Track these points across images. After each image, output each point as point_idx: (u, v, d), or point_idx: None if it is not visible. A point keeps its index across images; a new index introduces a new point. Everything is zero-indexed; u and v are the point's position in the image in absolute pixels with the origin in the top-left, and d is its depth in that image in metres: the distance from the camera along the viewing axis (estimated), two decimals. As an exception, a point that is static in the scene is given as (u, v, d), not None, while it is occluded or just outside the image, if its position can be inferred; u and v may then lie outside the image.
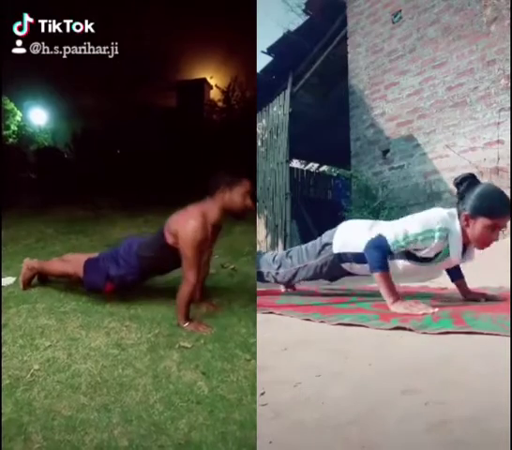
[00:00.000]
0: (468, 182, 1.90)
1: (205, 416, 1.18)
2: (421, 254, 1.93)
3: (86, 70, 5.36)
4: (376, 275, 1.89)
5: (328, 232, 2.29)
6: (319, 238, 2.33)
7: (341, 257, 2.18)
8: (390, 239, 1.90)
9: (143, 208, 4.11)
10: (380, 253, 1.89)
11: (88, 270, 2.00)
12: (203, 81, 7.03)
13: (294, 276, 2.34)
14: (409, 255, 1.97)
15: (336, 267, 2.23)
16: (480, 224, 1.83)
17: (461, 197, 1.91)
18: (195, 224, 1.74)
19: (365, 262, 2.05)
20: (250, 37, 4.25)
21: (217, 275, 2.48)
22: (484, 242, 1.89)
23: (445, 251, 1.90)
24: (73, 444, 1.08)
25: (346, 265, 2.20)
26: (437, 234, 1.85)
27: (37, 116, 7.09)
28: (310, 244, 2.36)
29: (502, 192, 1.86)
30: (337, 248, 2.18)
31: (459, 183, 1.93)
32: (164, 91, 6.92)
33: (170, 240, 1.83)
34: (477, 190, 1.86)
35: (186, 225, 1.75)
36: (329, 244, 2.22)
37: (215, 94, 6.94)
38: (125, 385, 1.33)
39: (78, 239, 3.36)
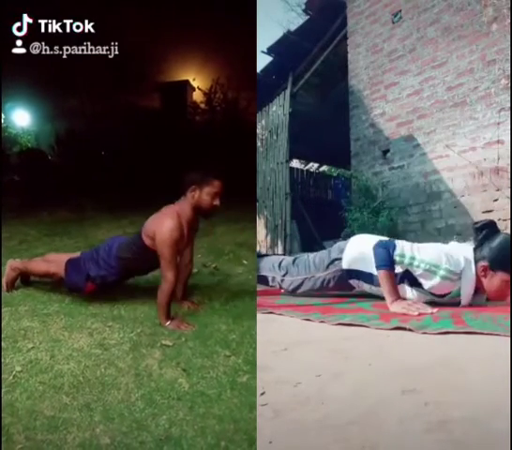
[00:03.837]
0: (488, 230, 1.86)
1: (185, 412, 1.20)
2: (426, 287, 1.89)
3: (71, 72, 5.34)
4: (380, 272, 1.88)
5: (338, 246, 2.24)
6: (328, 250, 2.29)
7: (350, 273, 2.16)
8: (399, 249, 1.88)
9: (128, 210, 4.06)
10: (387, 252, 1.88)
11: (69, 270, 2.00)
12: (187, 82, 7.08)
13: (300, 285, 2.32)
14: (418, 284, 1.93)
15: (343, 282, 2.21)
16: (499, 278, 1.79)
17: (480, 244, 1.86)
18: (170, 224, 1.78)
19: (374, 283, 2.04)
20: (250, 36, 4.25)
21: (198, 274, 2.48)
22: (500, 296, 1.85)
23: (455, 294, 1.87)
24: (55, 444, 1.08)
25: (354, 282, 2.18)
26: (440, 273, 1.82)
27: (20, 118, 6.97)
28: (318, 255, 2.32)
29: None
30: (346, 264, 2.15)
31: (478, 229, 1.88)
32: (148, 92, 6.92)
33: (147, 242, 1.87)
34: (499, 242, 1.81)
35: (161, 226, 1.79)
36: (339, 259, 2.18)
37: (197, 96, 7.01)
38: (107, 384, 1.33)
39: (62, 241, 3.32)
